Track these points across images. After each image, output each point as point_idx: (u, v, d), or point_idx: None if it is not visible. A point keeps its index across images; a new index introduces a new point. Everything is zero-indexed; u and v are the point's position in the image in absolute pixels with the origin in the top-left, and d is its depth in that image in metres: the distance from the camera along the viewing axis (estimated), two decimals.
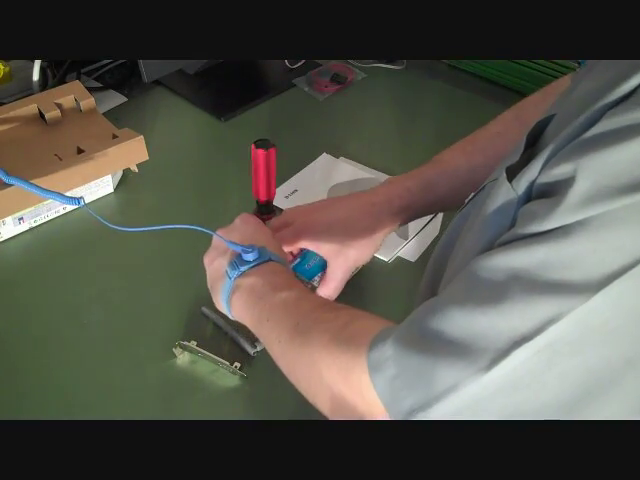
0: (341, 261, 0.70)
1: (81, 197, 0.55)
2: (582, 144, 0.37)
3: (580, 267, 0.36)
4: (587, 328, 0.37)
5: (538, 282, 0.37)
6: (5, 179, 0.55)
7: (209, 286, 0.64)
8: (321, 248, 0.71)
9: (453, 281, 0.43)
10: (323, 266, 0.73)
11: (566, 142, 0.38)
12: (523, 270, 0.38)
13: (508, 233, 0.41)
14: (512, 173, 0.44)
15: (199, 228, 0.58)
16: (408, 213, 0.71)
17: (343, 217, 0.70)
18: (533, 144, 0.46)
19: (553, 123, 0.45)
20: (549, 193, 0.39)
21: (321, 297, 0.57)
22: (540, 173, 0.40)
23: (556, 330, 0.37)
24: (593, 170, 0.36)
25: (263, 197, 0.69)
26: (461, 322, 0.40)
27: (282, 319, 0.55)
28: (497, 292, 0.38)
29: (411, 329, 0.43)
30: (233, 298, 0.60)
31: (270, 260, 0.60)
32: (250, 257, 0.59)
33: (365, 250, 0.71)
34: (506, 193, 0.43)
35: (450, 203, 0.70)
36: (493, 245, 0.43)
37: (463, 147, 0.71)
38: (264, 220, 0.69)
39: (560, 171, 0.38)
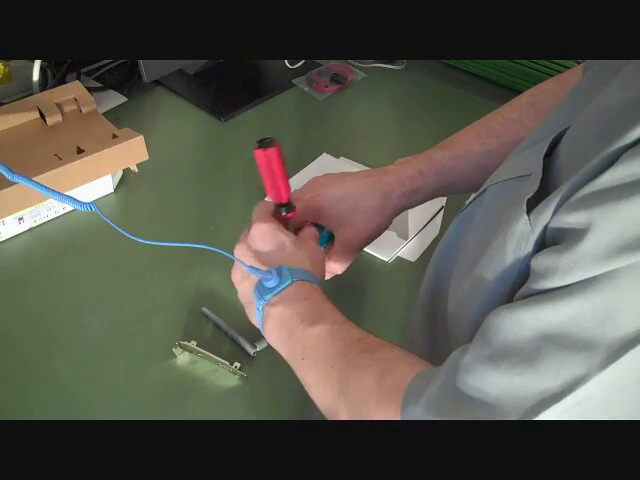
0: (347, 235, 0.69)
1: (93, 202, 0.54)
2: (601, 192, 0.36)
3: (613, 323, 0.35)
4: (617, 386, 0.36)
5: (570, 339, 0.36)
6: (9, 177, 0.54)
7: (243, 303, 0.64)
8: (328, 222, 0.70)
9: (479, 336, 0.42)
10: (328, 239, 0.71)
11: (581, 183, 0.37)
12: (553, 327, 0.37)
13: (529, 286, 0.40)
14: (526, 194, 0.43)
15: (218, 250, 0.56)
16: (418, 195, 0.70)
17: (352, 192, 0.69)
18: (549, 154, 0.46)
19: (568, 138, 0.44)
20: (566, 240, 0.37)
21: (352, 329, 0.55)
22: (554, 215, 0.39)
23: (586, 390, 0.36)
24: (615, 220, 0.35)
25: (272, 198, 0.66)
26: (495, 383, 0.39)
27: (317, 360, 0.54)
28: (530, 352, 0.38)
29: (444, 391, 0.42)
30: (266, 328, 0.59)
31: (293, 282, 0.58)
32: (271, 284, 0.58)
33: (372, 227, 0.69)
34: (524, 227, 0.42)
35: (460, 187, 0.70)
36: (511, 282, 0.42)
37: (477, 132, 0.70)
38: (285, 219, 0.66)
39: (577, 219, 0.37)
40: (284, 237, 0.62)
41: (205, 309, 0.82)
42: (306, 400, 0.72)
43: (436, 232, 0.94)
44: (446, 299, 0.55)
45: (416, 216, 0.94)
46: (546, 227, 0.40)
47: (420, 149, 0.94)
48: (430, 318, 0.60)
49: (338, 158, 1.06)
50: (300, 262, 0.60)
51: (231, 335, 0.79)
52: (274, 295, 0.58)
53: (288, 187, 0.65)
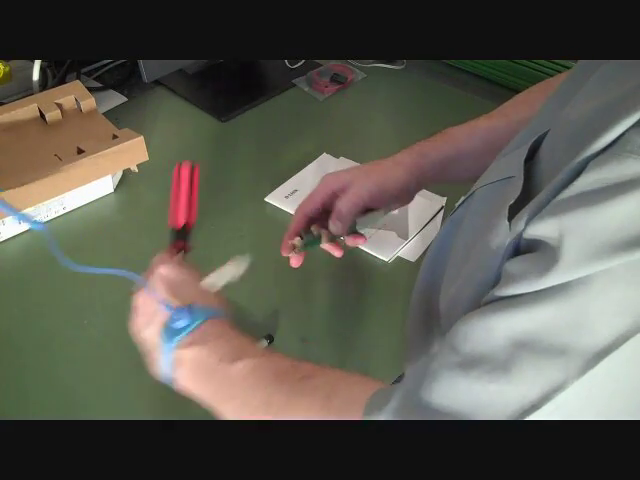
0: (362, 180, 0.68)
1: (43, 223, 0.55)
2: (569, 201, 0.36)
3: (587, 330, 0.35)
4: (596, 388, 0.36)
5: (543, 346, 0.36)
6: None
7: (145, 355, 0.59)
8: (340, 175, 0.69)
9: (446, 344, 0.41)
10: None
11: (554, 192, 0.37)
12: (526, 334, 0.37)
13: (498, 291, 0.39)
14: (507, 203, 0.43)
15: (134, 277, 0.56)
16: (429, 158, 0.70)
17: (366, 166, 0.71)
18: (532, 157, 0.46)
19: (547, 143, 0.45)
20: (538, 248, 0.38)
21: (281, 359, 0.52)
22: (527, 224, 0.39)
23: (565, 396, 0.36)
24: (585, 227, 0.35)
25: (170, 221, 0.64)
26: (466, 391, 0.39)
27: (248, 398, 0.50)
28: (503, 359, 0.37)
29: (409, 400, 0.41)
30: (178, 373, 0.55)
31: (207, 319, 0.55)
32: (181, 323, 0.54)
33: (390, 175, 0.68)
34: (504, 233, 0.41)
35: (468, 160, 0.69)
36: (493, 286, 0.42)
37: (490, 113, 0.72)
38: (177, 249, 0.64)
39: (548, 227, 0.37)
40: (190, 279, 0.59)
41: None
42: None
43: (436, 232, 0.94)
44: (438, 301, 0.55)
45: (416, 216, 0.94)
46: (520, 235, 0.40)
47: None
48: (424, 319, 0.61)
49: (338, 158, 1.06)
50: (206, 296, 0.58)
51: None
52: (186, 335, 0.54)
53: (187, 211, 0.66)
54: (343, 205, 0.67)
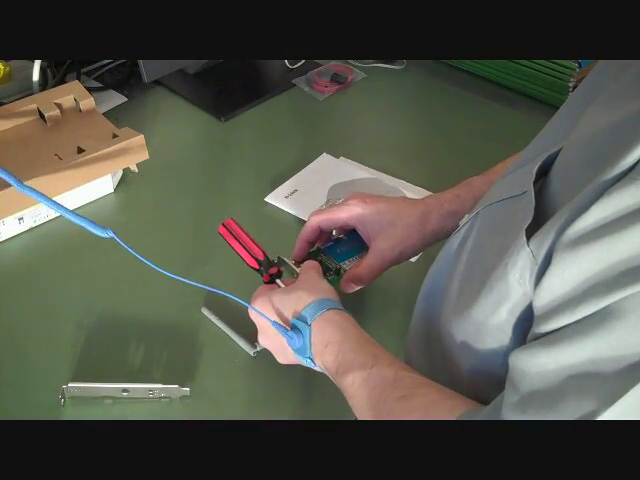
0: (382, 245, 0.71)
1: (109, 228, 0.54)
2: (590, 228, 0.36)
3: (628, 355, 0.36)
4: (632, 414, 0.37)
5: (589, 377, 0.37)
6: (19, 188, 0.53)
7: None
8: (367, 228, 0.73)
9: (509, 383, 0.43)
10: (355, 253, 0.76)
11: (575, 215, 0.37)
12: (573, 369, 0.38)
13: (540, 325, 0.40)
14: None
15: (245, 303, 0.62)
16: (456, 218, 0.71)
17: (395, 207, 0.72)
18: (543, 174, 0.46)
19: (560, 162, 0.45)
20: (564, 276, 0.38)
21: (383, 369, 0.56)
22: (552, 246, 0.39)
23: (606, 416, 0.37)
24: (610, 255, 0.35)
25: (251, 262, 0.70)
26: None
27: (356, 407, 0.56)
28: (553, 395, 0.39)
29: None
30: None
31: (310, 326, 0.60)
32: (298, 343, 0.60)
33: (407, 243, 0.72)
34: (527, 258, 0.41)
35: None
36: (519, 311, 0.43)
37: (517, 157, 0.72)
38: (268, 278, 0.69)
39: (573, 256, 0.37)
40: (274, 296, 0.64)
41: (205, 309, 0.82)
42: (306, 400, 0.72)
43: None
44: (438, 323, 0.55)
45: None
46: (547, 256, 0.40)
47: (420, 149, 0.93)
48: (425, 340, 0.61)
49: (338, 158, 1.06)
50: (299, 301, 0.62)
51: (231, 336, 0.79)
52: (309, 349, 0.61)
53: (253, 252, 0.70)
54: (364, 274, 0.72)
